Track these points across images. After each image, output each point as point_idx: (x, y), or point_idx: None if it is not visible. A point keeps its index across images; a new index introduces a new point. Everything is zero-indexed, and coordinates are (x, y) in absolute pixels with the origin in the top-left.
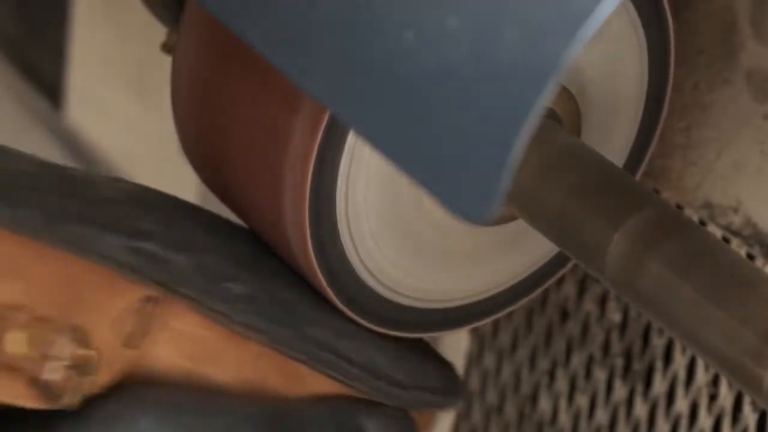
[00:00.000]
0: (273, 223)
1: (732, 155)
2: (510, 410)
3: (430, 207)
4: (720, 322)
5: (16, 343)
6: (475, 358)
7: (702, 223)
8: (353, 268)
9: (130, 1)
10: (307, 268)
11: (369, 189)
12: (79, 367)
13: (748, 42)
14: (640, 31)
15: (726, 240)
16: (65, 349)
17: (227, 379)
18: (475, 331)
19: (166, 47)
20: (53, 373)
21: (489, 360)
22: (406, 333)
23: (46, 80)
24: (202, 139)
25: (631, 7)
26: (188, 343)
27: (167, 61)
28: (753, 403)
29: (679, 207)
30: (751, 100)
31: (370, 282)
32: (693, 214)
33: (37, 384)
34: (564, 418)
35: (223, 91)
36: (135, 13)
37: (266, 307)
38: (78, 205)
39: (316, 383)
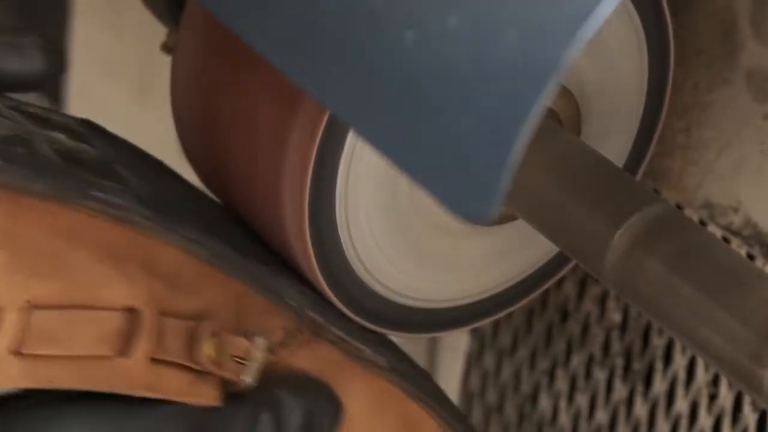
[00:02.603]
0: (272, 222)
1: (732, 155)
2: (510, 410)
3: (430, 207)
4: (720, 322)
5: (209, 348)
6: (475, 358)
7: (702, 223)
8: (353, 268)
9: (130, 1)
10: (307, 268)
11: (369, 189)
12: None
13: (748, 42)
14: (640, 31)
15: (726, 240)
16: (243, 346)
17: (346, 402)
18: (475, 331)
19: (166, 47)
20: (238, 373)
21: (489, 360)
22: (406, 333)
23: None
24: (201, 139)
25: (631, 8)
26: (323, 363)
27: (167, 61)
28: (753, 403)
29: (679, 207)
30: (751, 100)
31: (370, 282)
32: (693, 214)
33: (223, 385)
34: (564, 418)
35: (222, 91)
36: (135, 13)
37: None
38: (253, 246)
39: (425, 427)
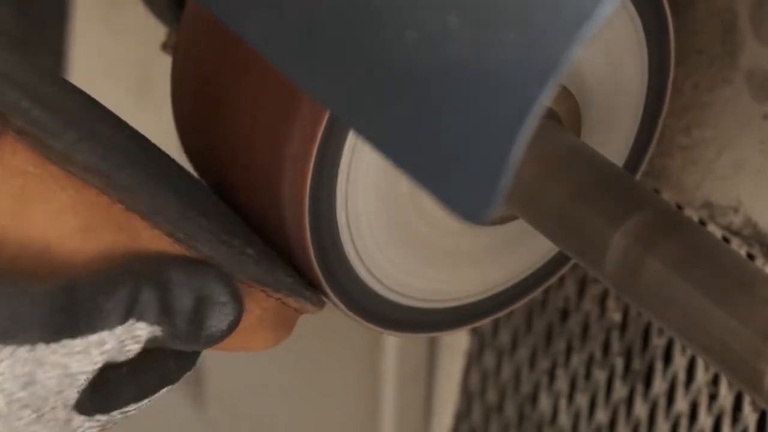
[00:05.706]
0: (273, 221)
1: (732, 155)
2: (510, 410)
3: (430, 207)
4: (720, 322)
5: None
6: (475, 358)
7: (702, 223)
8: (353, 267)
9: (130, 1)
10: (307, 268)
11: (369, 189)
12: None
13: (748, 42)
14: (640, 31)
15: (726, 240)
16: None
17: (52, 223)
18: (475, 331)
19: (166, 47)
20: None
21: (489, 360)
22: (406, 333)
23: None
24: (202, 139)
25: (631, 7)
26: (15, 180)
27: (167, 61)
28: (753, 403)
29: (679, 207)
30: (751, 100)
31: (370, 282)
32: (693, 214)
33: None
34: (564, 418)
35: (223, 91)
36: (135, 13)
37: (115, 155)
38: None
39: (152, 241)
